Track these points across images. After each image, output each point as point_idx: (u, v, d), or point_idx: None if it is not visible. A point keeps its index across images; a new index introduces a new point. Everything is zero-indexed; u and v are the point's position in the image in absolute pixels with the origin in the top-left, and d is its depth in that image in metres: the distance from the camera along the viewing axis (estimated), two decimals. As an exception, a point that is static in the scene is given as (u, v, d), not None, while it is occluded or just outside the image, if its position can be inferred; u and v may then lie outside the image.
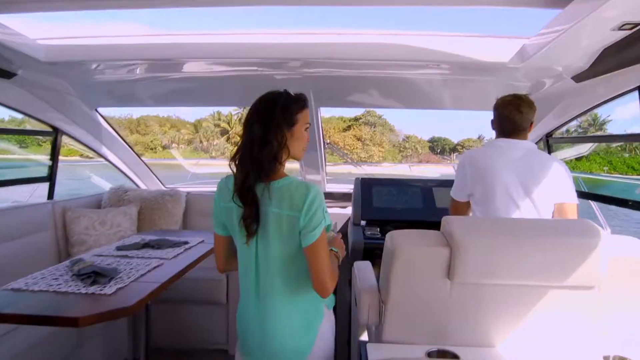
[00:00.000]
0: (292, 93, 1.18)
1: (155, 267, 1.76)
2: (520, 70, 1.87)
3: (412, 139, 56.70)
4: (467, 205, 1.72)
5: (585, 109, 1.95)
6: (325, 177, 3.46)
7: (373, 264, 1.68)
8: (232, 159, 1.14)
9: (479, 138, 58.44)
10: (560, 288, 1.17)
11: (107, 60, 2.13)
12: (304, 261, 1.13)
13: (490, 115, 1.77)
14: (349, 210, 3.09)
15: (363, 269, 1.60)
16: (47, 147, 2.83)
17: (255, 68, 2.21)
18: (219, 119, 47.10)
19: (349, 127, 43.76)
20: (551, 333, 1.22)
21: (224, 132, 46.51)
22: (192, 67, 2.28)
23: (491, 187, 1.58)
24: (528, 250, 1.15)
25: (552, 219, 1.52)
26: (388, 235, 1.31)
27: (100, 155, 3.29)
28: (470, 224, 1.24)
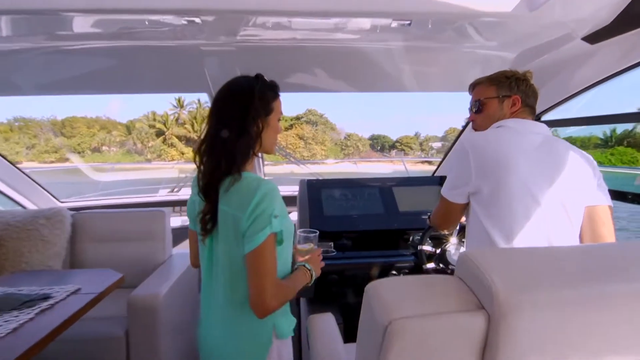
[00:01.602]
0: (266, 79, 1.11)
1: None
2: (520, 27, 1.39)
3: (353, 137, 57.86)
4: (463, 208, 1.24)
5: (594, 81, 1.53)
6: (264, 178, 2.87)
7: (330, 303, 1.12)
8: (198, 149, 1.05)
9: (415, 135, 61.54)
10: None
11: None
12: None
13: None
14: (294, 216, 2.49)
15: (322, 330, 1.00)
16: None
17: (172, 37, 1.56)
18: (154, 120, 45.02)
19: (291, 126, 43.41)
20: None
21: (160, 133, 44.52)
22: (83, 27, 1.54)
23: (506, 184, 1.12)
24: (627, 309, 0.63)
25: None
26: (370, 291, 0.73)
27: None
28: (520, 263, 0.69)
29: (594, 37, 1.31)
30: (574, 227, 1.14)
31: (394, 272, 1.98)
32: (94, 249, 2.33)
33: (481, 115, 1.32)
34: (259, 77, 1.09)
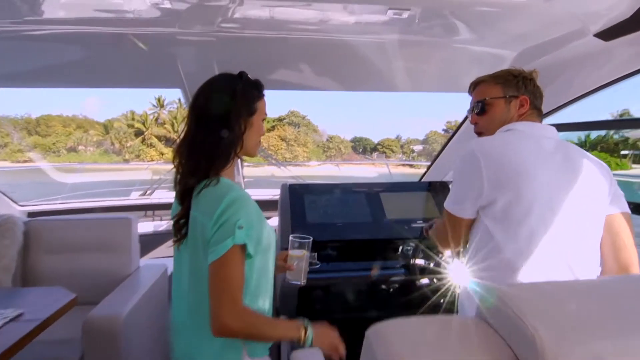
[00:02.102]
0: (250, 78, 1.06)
1: None
2: (527, 21, 1.26)
3: (336, 139, 57.98)
4: (470, 224, 1.10)
5: (604, 82, 1.39)
6: (243, 180, 2.95)
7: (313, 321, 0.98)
8: (177, 150, 1.01)
9: (397, 138, 62.18)
10: None
11: None
12: None
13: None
14: (275, 222, 2.33)
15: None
16: None
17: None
18: (133, 119, 44.20)
19: (273, 127, 43.20)
20: None
21: (139, 133, 43.76)
22: (49, 9, 1.34)
23: (525, 194, 0.99)
24: None
25: None
26: (372, 337, 0.57)
27: None
28: (564, 304, 0.54)
29: (608, 34, 1.19)
30: (595, 239, 1.03)
31: (383, 286, 1.83)
32: (49, 261, 2.07)
33: (485, 117, 1.19)
34: (242, 75, 1.04)
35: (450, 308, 1.66)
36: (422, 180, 2.64)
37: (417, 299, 1.72)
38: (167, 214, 3.60)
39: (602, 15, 1.16)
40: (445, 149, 2.37)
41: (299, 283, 1.20)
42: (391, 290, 1.82)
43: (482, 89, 1.20)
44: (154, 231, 3.29)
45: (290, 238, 1.20)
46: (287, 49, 1.58)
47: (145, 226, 3.30)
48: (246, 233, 0.91)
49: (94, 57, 1.76)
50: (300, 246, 1.19)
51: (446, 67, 1.77)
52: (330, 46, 1.56)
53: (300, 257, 1.16)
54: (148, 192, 3.77)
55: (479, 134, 1.23)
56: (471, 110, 1.23)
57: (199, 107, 1.01)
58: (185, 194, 1.00)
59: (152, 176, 4.70)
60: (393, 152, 60.37)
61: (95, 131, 43.90)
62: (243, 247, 0.91)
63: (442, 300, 1.69)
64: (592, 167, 1.04)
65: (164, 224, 3.40)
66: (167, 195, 3.82)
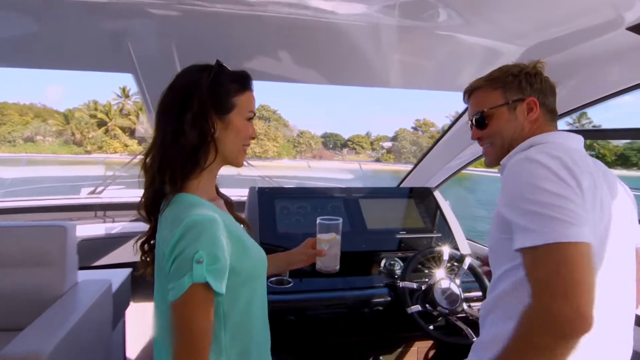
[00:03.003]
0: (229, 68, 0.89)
1: None
2: (550, 8, 1.05)
3: (306, 134, 57.69)
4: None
5: (631, 85, 1.20)
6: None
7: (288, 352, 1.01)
8: (145, 155, 0.87)
9: (366, 134, 62.73)
10: None
11: None
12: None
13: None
14: None
15: None
16: None
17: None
18: (96, 109, 43.05)
19: (242, 121, 42.47)
20: None
21: (102, 123, 42.68)
22: None
23: (605, 219, 0.79)
24: None
25: None
26: None
27: None
28: None
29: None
30: (635, 274, 0.85)
31: (364, 310, 1.60)
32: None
33: (488, 130, 0.97)
34: (216, 65, 0.88)
35: (447, 341, 1.47)
36: (403, 185, 2.45)
37: (406, 325, 1.51)
38: (120, 214, 3.23)
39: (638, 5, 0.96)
40: (430, 153, 2.18)
41: (333, 269, 1.11)
42: (374, 314, 1.60)
43: (478, 97, 0.99)
44: (106, 234, 2.92)
45: (318, 221, 1.11)
46: (262, 29, 1.29)
47: (94, 229, 2.92)
48: (208, 268, 0.74)
49: (35, 33, 1.41)
50: (329, 229, 1.10)
51: (444, 62, 1.54)
52: (310, 29, 1.29)
53: (331, 241, 1.08)
54: (98, 189, 3.36)
55: (487, 150, 1.01)
56: (469, 123, 1.02)
57: (160, 104, 0.87)
58: (149, 210, 0.88)
59: (105, 172, 4.21)
60: (363, 148, 60.89)
61: (55, 121, 42.57)
62: (205, 285, 0.73)
63: (433, 327, 1.50)
64: (623, 189, 0.87)
65: (117, 226, 3.03)
66: (122, 194, 3.43)
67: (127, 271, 2.17)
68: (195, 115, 0.82)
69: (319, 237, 1.11)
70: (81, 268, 1.94)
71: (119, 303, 1.97)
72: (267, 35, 1.35)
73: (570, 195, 0.72)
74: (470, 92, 1.02)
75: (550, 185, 0.73)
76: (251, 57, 1.52)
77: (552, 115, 0.96)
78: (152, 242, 0.91)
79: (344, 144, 63.08)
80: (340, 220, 1.11)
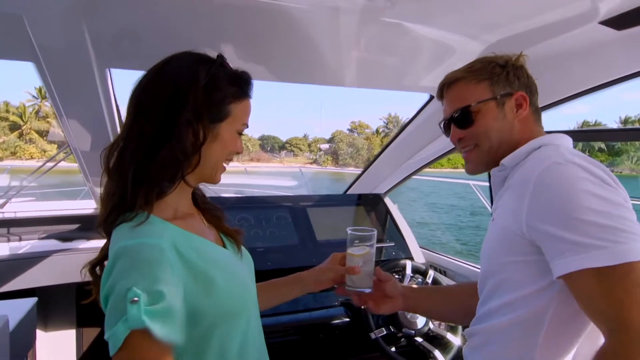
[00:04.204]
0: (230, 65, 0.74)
1: None
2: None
3: (243, 137, 55.99)
4: None
5: (608, 80, 1.15)
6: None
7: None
8: (107, 161, 0.68)
9: (304, 136, 63.07)
10: None
11: None
12: None
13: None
14: None
15: None
16: None
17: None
18: (7, 111, 40.15)
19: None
20: None
21: (15, 127, 39.77)
22: None
23: None
24: None
25: None
26: None
27: None
28: None
29: (619, 21, 0.95)
30: None
31: (320, 334, 1.43)
32: None
33: (472, 130, 0.82)
34: (217, 59, 0.73)
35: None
36: (351, 191, 2.32)
37: (368, 348, 1.37)
38: (28, 231, 2.73)
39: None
40: (380, 157, 2.08)
41: (366, 290, 0.90)
42: (331, 338, 1.44)
43: (459, 91, 0.84)
44: (11, 255, 2.42)
45: (348, 232, 0.93)
46: (194, 8, 1.05)
47: None
48: (147, 309, 0.56)
49: None
50: (362, 241, 0.91)
51: (400, 58, 1.40)
52: (259, 12, 1.07)
53: (365, 256, 0.89)
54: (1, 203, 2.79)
55: (470, 154, 0.84)
56: (448, 122, 0.86)
57: (137, 96, 0.69)
58: (106, 229, 0.67)
59: (10, 181, 3.52)
60: (301, 150, 61.13)
61: None
62: (147, 332, 0.55)
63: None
64: None
65: (24, 245, 2.54)
66: (30, 207, 2.90)
67: (31, 301, 1.78)
68: (189, 119, 0.66)
69: (350, 252, 0.92)
70: None
71: (19, 343, 1.59)
72: (203, 16, 1.10)
73: (627, 204, 0.62)
74: (449, 84, 0.86)
75: (609, 193, 0.61)
76: (180, 42, 1.25)
77: (538, 115, 0.84)
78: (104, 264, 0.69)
79: (282, 147, 62.84)
80: (375, 232, 0.92)
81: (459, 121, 0.83)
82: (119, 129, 1.51)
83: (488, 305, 0.75)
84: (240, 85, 0.73)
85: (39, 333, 1.98)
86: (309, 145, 63.03)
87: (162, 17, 1.07)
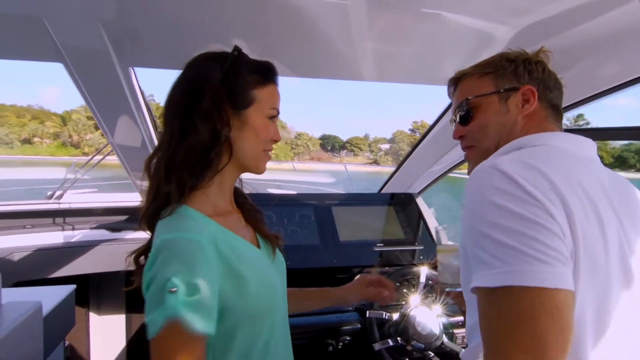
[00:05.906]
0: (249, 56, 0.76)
1: None
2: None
3: (304, 136, 57.57)
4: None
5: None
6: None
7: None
8: (148, 164, 0.73)
9: (365, 136, 62.66)
10: None
11: None
12: None
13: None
14: None
15: None
16: None
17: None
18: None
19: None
20: None
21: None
22: None
23: (601, 247, 0.56)
24: None
25: None
26: None
27: None
28: None
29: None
30: None
31: (330, 340, 1.36)
32: None
33: (472, 125, 0.76)
34: (234, 52, 0.75)
35: None
36: (383, 191, 2.21)
37: (376, 357, 1.27)
38: (81, 221, 2.99)
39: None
40: (412, 155, 1.94)
41: (457, 289, 0.90)
42: (340, 345, 1.36)
43: (464, 86, 0.80)
44: (65, 243, 2.68)
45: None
46: (210, 3, 1.03)
47: (53, 237, 2.68)
48: (184, 300, 0.59)
49: None
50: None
51: (425, 49, 1.28)
52: (279, 5, 1.03)
53: (454, 252, 0.90)
54: (57, 194, 3.11)
55: (469, 153, 0.79)
56: (452, 118, 0.82)
57: (167, 99, 0.74)
58: (149, 223, 0.71)
59: (66, 174, 3.92)
60: (361, 150, 60.81)
61: (52, 123, 42.37)
62: (181, 322, 0.59)
63: None
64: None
65: (77, 234, 2.80)
66: (83, 199, 3.19)
67: (69, 288, 1.94)
68: (207, 108, 0.70)
69: (439, 248, 0.95)
70: (22, 283, 1.69)
71: (54, 328, 1.73)
72: (214, 10, 1.08)
73: (547, 222, 0.52)
74: (456, 81, 0.82)
75: (519, 207, 0.53)
76: (191, 37, 1.26)
77: (555, 112, 0.74)
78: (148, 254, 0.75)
79: (342, 146, 63.02)
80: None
81: (460, 117, 0.78)
82: (150, 127, 1.58)
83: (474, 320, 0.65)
84: (261, 72, 0.75)
85: (92, 316, 2.12)
86: (369, 145, 62.51)
87: (180, 14, 1.07)
